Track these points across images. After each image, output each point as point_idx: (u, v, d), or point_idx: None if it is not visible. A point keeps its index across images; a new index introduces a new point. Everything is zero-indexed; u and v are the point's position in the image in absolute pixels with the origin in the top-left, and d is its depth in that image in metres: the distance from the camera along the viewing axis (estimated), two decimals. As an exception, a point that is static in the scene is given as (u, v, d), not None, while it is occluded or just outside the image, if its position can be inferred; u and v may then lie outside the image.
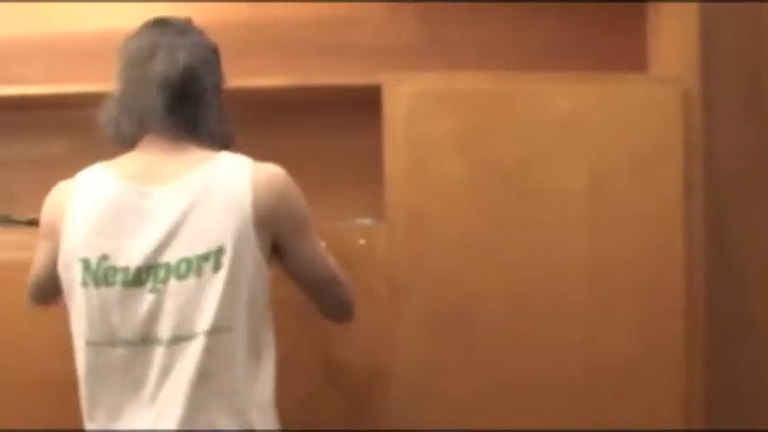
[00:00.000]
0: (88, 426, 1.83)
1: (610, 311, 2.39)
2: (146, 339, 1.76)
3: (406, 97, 2.39)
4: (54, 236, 1.86)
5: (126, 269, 1.76)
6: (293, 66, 2.63)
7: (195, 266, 1.76)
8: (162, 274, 1.76)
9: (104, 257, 1.77)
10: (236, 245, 1.77)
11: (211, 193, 1.79)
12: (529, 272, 2.38)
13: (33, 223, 2.51)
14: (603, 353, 2.39)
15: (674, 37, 2.54)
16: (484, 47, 2.78)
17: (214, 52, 1.98)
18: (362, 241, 2.42)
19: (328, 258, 1.98)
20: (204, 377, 1.75)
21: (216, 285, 1.76)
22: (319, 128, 2.68)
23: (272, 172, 1.86)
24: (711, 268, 2.49)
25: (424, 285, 2.37)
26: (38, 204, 2.66)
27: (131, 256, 1.77)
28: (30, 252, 2.37)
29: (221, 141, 1.93)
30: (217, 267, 1.76)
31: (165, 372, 1.75)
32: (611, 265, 2.39)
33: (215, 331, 1.75)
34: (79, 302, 1.80)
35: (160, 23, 1.95)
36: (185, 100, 1.88)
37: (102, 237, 1.78)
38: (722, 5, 2.66)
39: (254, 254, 1.80)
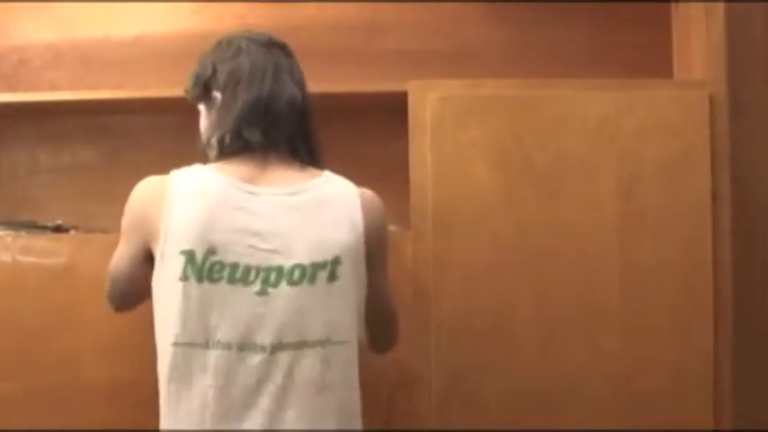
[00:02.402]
0: (168, 426, 1.79)
1: (639, 316, 2.38)
2: (245, 343, 1.73)
3: (432, 104, 2.39)
4: (145, 230, 1.81)
5: (234, 265, 1.74)
6: (321, 71, 2.62)
7: (309, 274, 1.76)
8: (273, 277, 1.75)
9: (211, 251, 1.73)
10: (350, 258, 1.79)
11: (327, 206, 1.81)
12: (558, 277, 2.38)
13: (60, 229, 2.54)
14: (634, 357, 2.38)
15: (700, 41, 2.52)
16: (510, 53, 2.78)
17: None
18: (388, 247, 2.42)
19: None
20: (322, 389, 1.75)
21: (333, 295, 1.77)
22: (345, 134, 2.67)
23: (374, 197, 1.93)
24: (739, 273, 2.47)
25: (452, 292, 2.37)
26: (65, 211, 2.73)
27: (241, 252, 1.74)
28: (56, 258, 2.41)
29: (318, 160, 1.94)
30: (332, 277, 1.77)
31: (266, 380, 1.73)
32: (640, 270, 2.39)
33: (334, 342, 1.77)
34: (174, 298, 1.75)
35: (269, 43, 1.95)
36: (300, 120, 1.91)
37: (210, 230, 1.74)
38: (748, 8, 2.65)
39: (362, 270, 1.83)
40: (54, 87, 2.75)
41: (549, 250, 2.38)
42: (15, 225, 2.54)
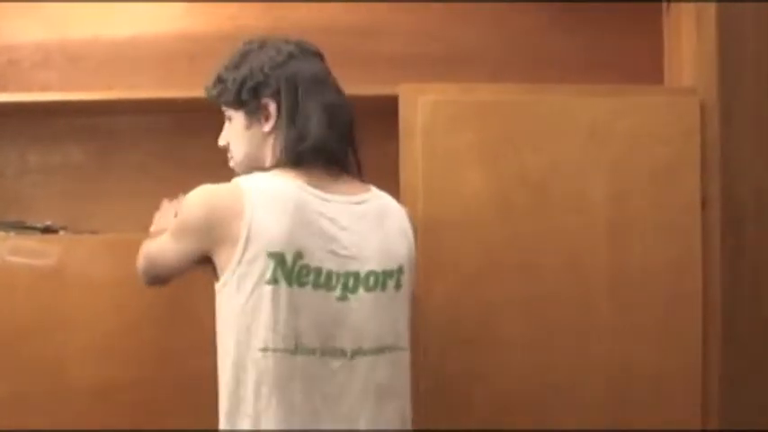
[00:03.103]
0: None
1: (629, 320, 2.40)
2: (327, 348, 1.73)
3: (423, 107, 2.40)
4: (213, 236, 1.76)
5: (318, 270, 1.73)
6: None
7: (381, 281, 1.79)
8: (352, 282, 1.76)
9: (299, 255, 1.72)
10: (408, 268, 1.84)
11: (386, 217, 1.85)
12: (549, 282, 2.39)
13: (49, 230, 2.53)
14: (623, 361, 2.40)
15: (691, 48, 2.54)
16: (502, 58, 2.78)
17: None
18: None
19: None
20: (391, 395, 1.79)
21: (399, 303, 1.82)
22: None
23: (410, 213, 1.98)
24: (728, 278, 2.48)
25: (442, 296, 2.37)
26: (54, 211, 2.71)
27: (323, 257, 1.74)
28: (45, 259, 2.40)
29: (362, 172, 1.94)
30: (398, 285, 1.81)
31: (345, 385, 1.74)
32: (630, 274, 2.40)
33: (398, 349, 1.81)
34: (261, 303, 1.72)
35: (315, 51, 1.96)
36: (351, 130, 1.91)
37: (296, 234, 1.72)
38: (739, 16, 2.66)
39: (413, 280, 1.89)
40: (44, 88, 2.74)
41: (539, 255, 2.39)
42: (4, 226, 2.53)
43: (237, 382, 1.73)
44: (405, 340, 1.84)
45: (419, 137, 2.39)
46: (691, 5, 2.53)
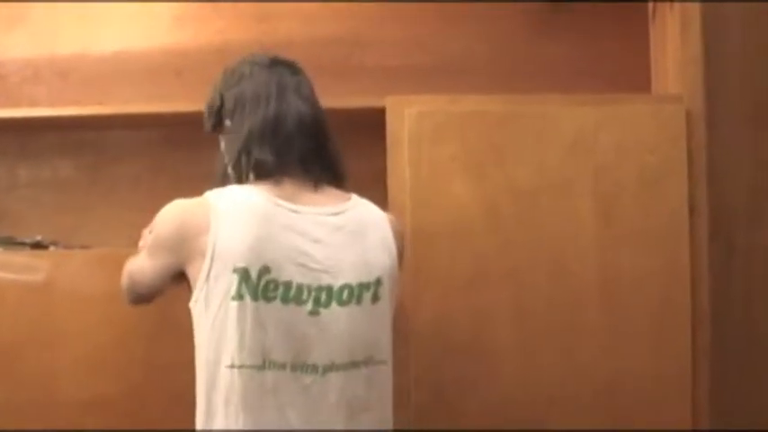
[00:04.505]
0: None
1: (618, 328, 2.39)
2: (298, 364, 1.72)
3: (409, 119, 2.40)
4: (183, 250, 1.77)
5: (288, 284, 1.72)
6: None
7: (356, 294, 1.76)
8: (324, 297, 1.74)
9: (266, 269, 1.71)
10: (389, 280, 1.82)
11: (369, 228, 1.83)
12: (537, 290, 2.39)
13: (39, 245, 2.53)
14: (612, 369, 2.39)
15: (676, 56, 2.54)
16: (488, 69, 2.79)
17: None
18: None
19: None
20: (367, 408, 1.77)
21: (378, 316, 1.80)
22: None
23: (397, 221, 1.97)
24: (716, 284, 2.49)
25: (430, 306, 2.37)
26: (44, 226, 2.71)
27: (293, 271, 1.72)
28: (34, 274, 2.41)
29: (341, 179, 1.93)
30: (376, 298, 1.79)
31: (318, 400, 1.73)
32: (618, 282, 2.40)
33: (376, 363, 1.79)
34: (227, 319, 1.72)
35: (273, 63, 1.95)
36: (315, 137, 1.89)
37: (262, 248, 1.71)
38: (724, 23, 2.67)
39: (396, 291, 1.87)
40: (32, 103, 2.75)
41: (527, 264, 2.39)
42: (-6, 241, 2.54)
43: (209, 398, 1.74)
44: (384, 353, 1.82)
45: (406, 148, 2.40)
46: (676, 13, 2.54)
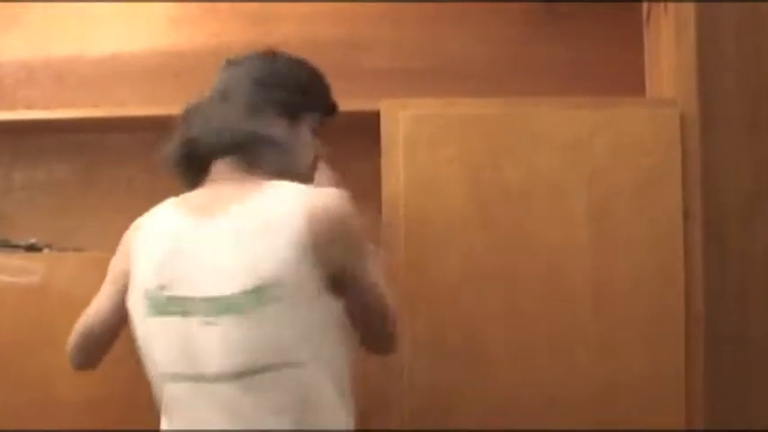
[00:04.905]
0: None
1: (612, 332, 2.39)
2: (195, 375, 1.72)
3: (404, 122, 2.40)
4: (120, 279, 1.87)
5: (183, 300, 1.72)
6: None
7: (252, 300, 1.69)
8: (215, 307, 1.70)
9: (164, 287, 1.75)
10: (292, 277, 1.70)
11: (261, 223, 1.73)
12: (531, 295, 2.38)
13: (33, 248, 2.53)
14: (606, 372, 2.38)
15: (671, 60, 2.55)
16: (484, 72, 2.80)
17: (291, 85, 1.98)
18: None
19: (383, 289, 1.86)
20: (277, 413, 1.71)
21: (276, 319, 1.70)
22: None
23: (327, 197, 1.80)
24: (710, 289, 2.48)
25: (424, 310, 2.37)
26: (39, 228, 2.71)
27: (190, 285, 1.73)
28: (29, 276, 2.41)
29: (288, 170, 1.89)
30: (274, 301, 1.69)
31: (221, 409, 1.71)
32: (612, 286, 2.39)
33: (285, 366, 1.71)
34: (142, 336, 1.80)
35: (230, 64, 1.99)
36: (248, 135, 1.87)
37: (164, 268, 1.76)
38: (719, 27, 2.67)
39: (313, 285, 1.73)
40: (28, 106, 2.75)
41: (522, 267, 2.39)
42: (-12, 244, 2.54)
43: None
44: (296, 356, 1.73)
45: (401, 151, 2.40)
46: (670, 17, 2.54)
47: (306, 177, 1.95)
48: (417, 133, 2.40)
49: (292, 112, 1.96)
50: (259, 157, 1.86)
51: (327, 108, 2.09)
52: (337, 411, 1.79)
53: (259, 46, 2.58)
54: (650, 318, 2.40)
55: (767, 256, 2.63)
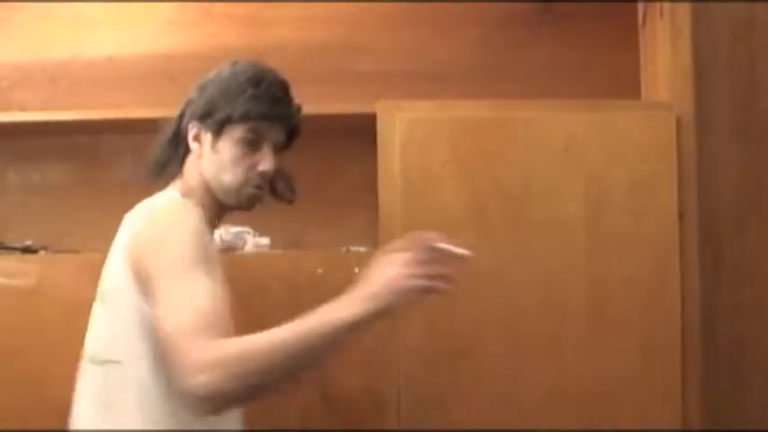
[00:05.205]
0: None
1: (607, 335, 2.39)
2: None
3: (400, 124, 2.40)
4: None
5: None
6: (293, 92, 2.63)
7: (100, 298, 1.84)
8: (97, 296, 1.85)
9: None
10: (115, 282, 1.79)
11: (121, 234, 1.85)
12: (527, 298, 2.39)
13: (29, 250, 2.53)
14: (601, 375, 2.39)
15: (666, 63, 2.55)
16: (480, 75, 2.80)
17: (215, 95, 1.92)
18: (357, 269, 2.41)
19: (185, 321, 1.56)
20: (108, 406, 1.77)
21: (101, 317, 1.83)
22: (315, 156, 2.68)
23: (157, 202, 1.87)
24: (706, 292, 2.49)
25: (420, 315, 2.37)
26: (34, 230, 2.70)
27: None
28: (25, 279, 2.40)
29: (160, 177, 1.98)
30: (104, 301, 1.82)
31: (80, 389, 1.85)
32: (608, 289, 2.40)
33: (108, 362, 1.78)
34: None
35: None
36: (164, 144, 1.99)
37: None
38: (714, 31, 2.68)
39: (132, 291, 1.75)
40: (23, 108, 2.74)
41: (517, 271, 2.39)
42: (-17, 246, 2.54)
43: None
44: (115, 354, 1.77)
45: (397, 153, 2.40)
46: (666, 20, 2.55)
47: (236, 193, 1.91)
48: (413, 135, 2.40)
49: (216, 127, 1.90)
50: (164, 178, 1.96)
51: (263, 115, 1.90)
52: (148, 411, 1.76)
53: (254, 49, 2.60)
54: (646, 321, 2.40)
55: (762, 257, 2.64)
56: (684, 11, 2.49)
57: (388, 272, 1.63)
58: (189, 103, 1.95)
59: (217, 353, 1.49)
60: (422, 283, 1.63)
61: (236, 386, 1.48)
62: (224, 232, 2.50)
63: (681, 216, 2.42)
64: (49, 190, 2.77)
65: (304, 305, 2.42)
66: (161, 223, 1.78)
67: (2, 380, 2.38)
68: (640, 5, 2.77)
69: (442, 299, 2.34)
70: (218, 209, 1.94)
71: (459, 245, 1.64)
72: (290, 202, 2.02)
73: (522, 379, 2.38)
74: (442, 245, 1.67)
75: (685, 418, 2.39)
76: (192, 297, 1.58)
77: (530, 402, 2.38)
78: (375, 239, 2.42)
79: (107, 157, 2.78)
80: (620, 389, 2.39)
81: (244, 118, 1.88)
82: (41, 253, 2.56)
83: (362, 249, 2.55)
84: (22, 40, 2.80)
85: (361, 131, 2.43)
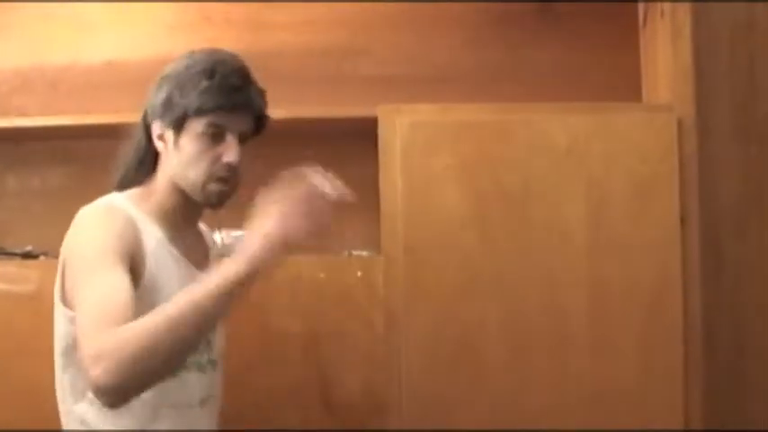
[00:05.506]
0: None
1: (609, 338, 2.39)
2: None
3: (402, 128, 2.40)
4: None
5: None
6: (293, 96, 2.62)
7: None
8: None
9: None
10: (56, 288, 1.85)
11: None
12: (529, 301, 2.39)
13: (29, 255, 2.52)
14: (603, 379, 2.39)
15: (667, 65, 2.55)
16: (481, 78, 2.80)
17: (172, 90, 1.91)
18: (360, 273, 2.42)
19: (93, 324, 1.57)
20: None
21: (55, 323, 1.87)
22: (316, 159, 2.67)
23: (82, 210, 1.89)
24: (707, 295, 2.49)
25: (423, 317, 2.37)
26: (33, 236, 2.69)
27: None
28: (25, 284, 2.39)
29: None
30: (56, 307, 1.86)
31: None
32: (609, 293, 2.40)
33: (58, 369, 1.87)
34: None
35: None
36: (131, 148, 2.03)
37: None
38: (715, 32, 2.68)
39: (60, 297, 1.84)
40: (22, 113, 2.73)
41: (519, 274, 2.39)
42: (-17, 252, 2.53)
43: None
44: (57, 361, 1.88)
45: (398, 157, 2.40)
46: (667, 22, 2.54)
47: (202, 188, 1.88)
48: (414, 139, 2.40)
49: (175, 124, 1.89)
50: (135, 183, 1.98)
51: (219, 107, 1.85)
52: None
53: (255, 53, 2.58)
54: (647, 323, 2.40)
55: (764, 259, 2.64)
56: (685, 11, 2.49)
57: (266, 224, 1.64)
58: (149, 101, 1.94)
59: (107, 343, 1.50)
60: (302, 228, 1.66)
61: (130, 369, 1.48)
62: (225, 236, 2.49)
63: (682, 218, 2.41)
64: (49, 195, 2.77)
65: (306, 310, 2.44)
66: (77, 230, 1.84)
67: (1, 385, 2.38)
68: (641, 6, 2.77)
69: (443, 301, 2.36)
70: (192, 208, 1.93)
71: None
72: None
73: (523, 380, 2.39)
74: (317, 182, 1.77)
75: (687, 420, 2.39)
76: (94, 297, 1.61)
77: (531, 403, 2.38)
78: (377, 243, 2.42)
79: (107, 162, 2.77)
80: (622, 391, 2.39)
81: (200, 112, 1.83)
82: (42, 258, 2.56)
83: (364, 253, 2.55)
84: (21, 45, 2.79)
85: (363, 135, 2.43)
